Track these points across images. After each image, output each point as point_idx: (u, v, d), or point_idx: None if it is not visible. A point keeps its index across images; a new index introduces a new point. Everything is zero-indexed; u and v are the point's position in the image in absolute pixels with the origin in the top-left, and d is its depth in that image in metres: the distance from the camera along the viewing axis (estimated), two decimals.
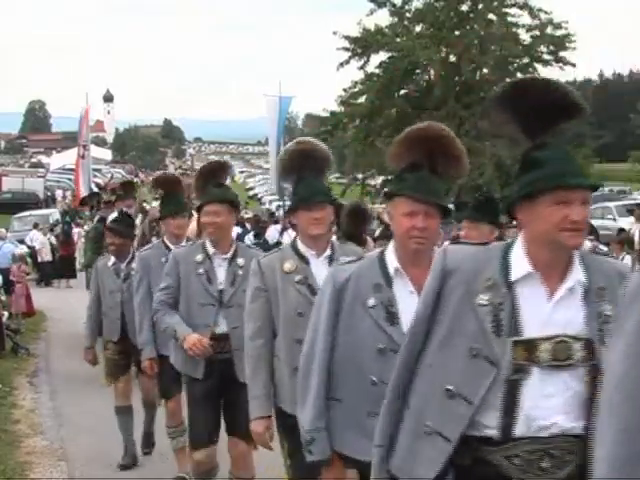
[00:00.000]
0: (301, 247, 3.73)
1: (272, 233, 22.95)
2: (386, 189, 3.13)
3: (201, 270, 4.75)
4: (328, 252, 3.73)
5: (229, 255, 4.79)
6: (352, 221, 6.20)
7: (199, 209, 4.83)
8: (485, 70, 26.55)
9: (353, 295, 2.97)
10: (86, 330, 6.89)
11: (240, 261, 4.75)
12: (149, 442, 6.85)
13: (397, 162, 3.01)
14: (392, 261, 3.00)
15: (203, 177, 4.83)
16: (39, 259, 23.51)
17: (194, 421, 4.77)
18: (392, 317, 2.93)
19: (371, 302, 2.95)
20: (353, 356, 2.98)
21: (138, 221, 10.13)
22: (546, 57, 26.27)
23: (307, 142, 3.77)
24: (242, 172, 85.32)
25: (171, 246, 5.66)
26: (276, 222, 25.85)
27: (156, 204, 10.70)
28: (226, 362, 4.67)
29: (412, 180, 2.93)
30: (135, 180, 10.45)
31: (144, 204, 13.61)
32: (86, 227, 26.70)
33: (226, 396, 4.78)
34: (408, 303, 2.86)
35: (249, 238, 17.27)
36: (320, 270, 3.62)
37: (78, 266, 25.58)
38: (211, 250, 4.81)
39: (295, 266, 3.68)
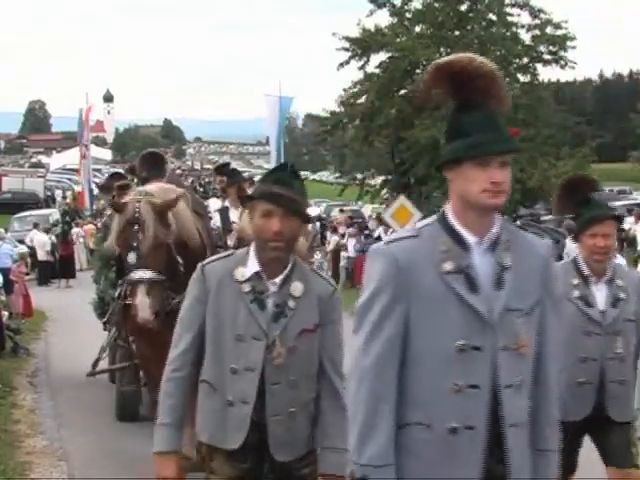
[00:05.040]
0: None
1: None
2: None
3: (576, 293, 3.85)
4: None
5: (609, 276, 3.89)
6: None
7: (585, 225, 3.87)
8: None
9: None
10: (162, 414, 3.18)
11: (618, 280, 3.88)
12: None
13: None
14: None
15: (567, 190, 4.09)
16: (38, 258, 23.60)
17: None
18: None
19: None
20: None
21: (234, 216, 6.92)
22: (546, 57, 26.30)
23: None
24: (242, 172, 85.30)
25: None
26: None
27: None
28: None
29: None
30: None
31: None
32: (87, 227, 26.89)
33: None
34: None
35: None
36: None
37: (78, 266, 25.75)
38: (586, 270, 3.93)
39: None
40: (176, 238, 5.41)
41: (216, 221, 6.62)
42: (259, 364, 3.03)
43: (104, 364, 7.87)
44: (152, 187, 5.55)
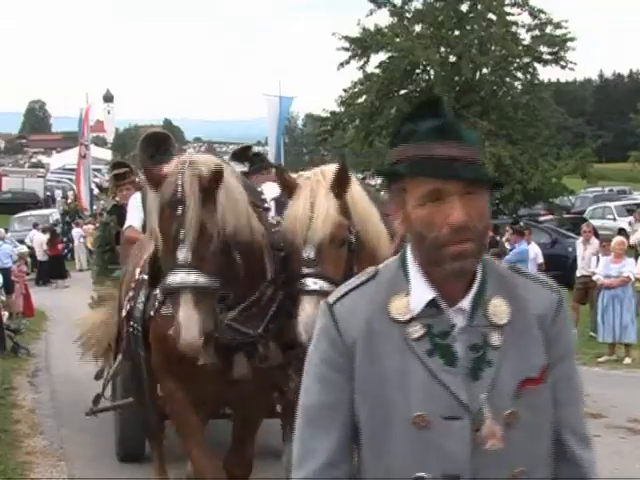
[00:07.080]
0: None
1: None
2: None
3: None
4: None
5: None
6: None
7: None
8: (485, 70, 26.56)
9: None
10: None
11: None
12: None
13: None
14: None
15: None
16: (37, 258, 23.70)
17: None
18: None
19: None
20: None
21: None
22: (546, 57, 26.30)
23: None
24: None
25: None
26: None
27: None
28: None
29: None
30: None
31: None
32: (87, 227, 26.81)
33: None
34: None
35: None
36: None
37: (78, 266, 25.71)
38: None
39: None
40: (231, 228, 3.78)
41: (273, 214, 4.43)
42: (465, 462, 1.65)
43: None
44: (196, 155, 3.98)
